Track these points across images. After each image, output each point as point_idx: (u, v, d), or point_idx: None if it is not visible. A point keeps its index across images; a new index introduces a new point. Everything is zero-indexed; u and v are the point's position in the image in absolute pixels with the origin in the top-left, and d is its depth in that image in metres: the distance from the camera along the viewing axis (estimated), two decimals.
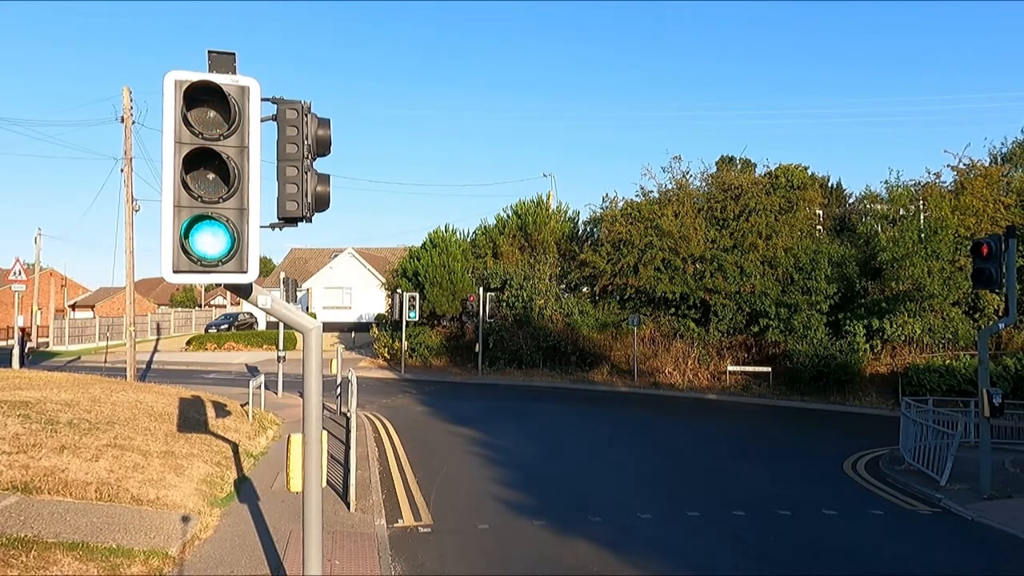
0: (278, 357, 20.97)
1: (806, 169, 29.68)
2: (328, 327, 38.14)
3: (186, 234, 4.17)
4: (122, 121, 22.34)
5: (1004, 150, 27.94)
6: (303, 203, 4.59)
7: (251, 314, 50.78)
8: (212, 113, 4.27)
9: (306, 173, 4.61)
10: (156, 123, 33.24)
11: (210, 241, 4.23)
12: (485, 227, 34.08)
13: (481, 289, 29.28)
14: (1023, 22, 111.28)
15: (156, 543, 6.93)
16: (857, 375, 23.45)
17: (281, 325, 20.85)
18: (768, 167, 29.53)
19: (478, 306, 28.86)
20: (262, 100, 4.39)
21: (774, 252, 26.05)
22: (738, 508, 9.93)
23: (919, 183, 25.99)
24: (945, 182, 25.60)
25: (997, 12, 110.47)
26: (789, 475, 12.56)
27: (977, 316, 23.75)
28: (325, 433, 5.32)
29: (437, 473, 11.71)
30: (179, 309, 62.42)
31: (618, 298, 29.10)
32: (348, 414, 10.58)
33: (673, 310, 27.64)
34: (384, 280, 39.01)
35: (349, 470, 9.60)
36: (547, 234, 32.09)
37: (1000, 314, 19.37)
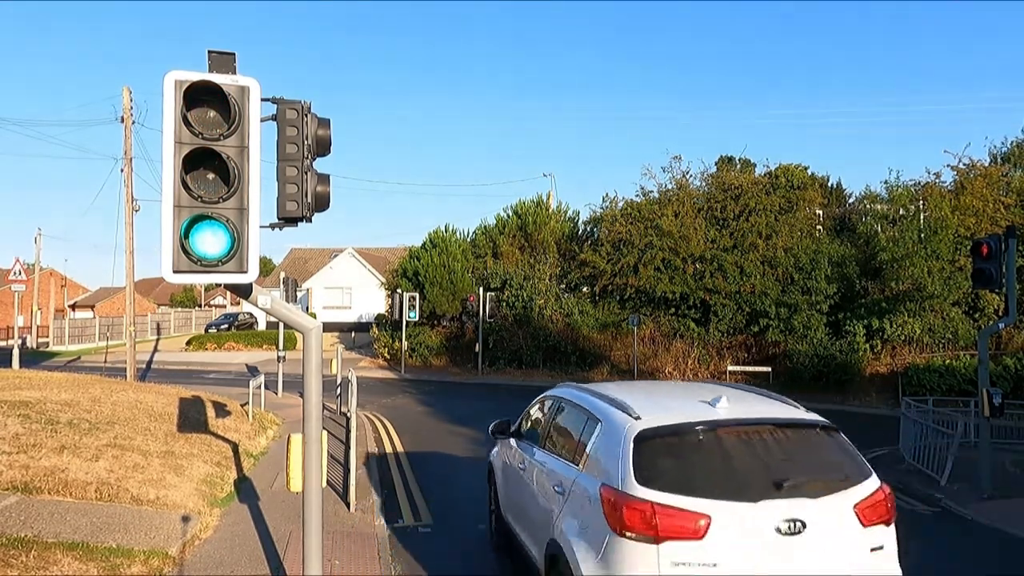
0: (278, 357, 20.95)
1: (806, 169, 29.71)
2: (328, 327, 38.13)
3: (186, 234, 4.16)
4: (122, 121, 22.35)
5: (1004, 150, 27.93)
6: (303, 203, 4.58)
7: (251, 314, 50.77)
8: (212, 113, 4.26)
9: (306, 173, 4.60)
10: (156, 123, 33.13)
11: (210, 241, 4.21)
12: (485, 227, 34.10)
13: (481, 289, 29.28)
14: (1023, 22, 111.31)
15: (156, 543, 6.93)
16: (857, 375, 23.43)
17: (281, 325, 20.84)
18: (768, 167, 29.60)
19: (478, 306, 28.86)
20: (262, 100, 4.38)
21: (774, 252, 26.05)
22: None
23: (919, 183, 26.00)
24: (945, 182, 25.63)
25: (997, 12, 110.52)
26: None
27: (977, 316, 23.75)
28: (325, 433, 5.32)
29: (437, 473, 11.70)
30: (179, 309, 62.44)
31: (618, 298, 29.10)
32: (348, 414, 10.57)
33: (673, 310, 27.64)
34: (384, 280, 39.04)
35: (349, 470, 9.59)
36: (547, 234, 32.09)
37: (1000, 314, 19.30)
